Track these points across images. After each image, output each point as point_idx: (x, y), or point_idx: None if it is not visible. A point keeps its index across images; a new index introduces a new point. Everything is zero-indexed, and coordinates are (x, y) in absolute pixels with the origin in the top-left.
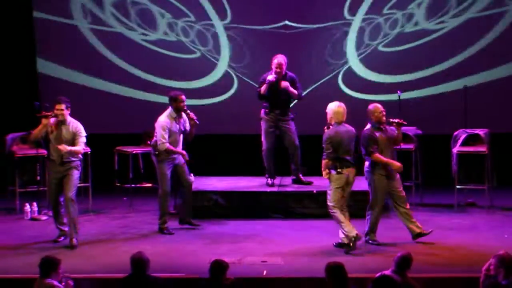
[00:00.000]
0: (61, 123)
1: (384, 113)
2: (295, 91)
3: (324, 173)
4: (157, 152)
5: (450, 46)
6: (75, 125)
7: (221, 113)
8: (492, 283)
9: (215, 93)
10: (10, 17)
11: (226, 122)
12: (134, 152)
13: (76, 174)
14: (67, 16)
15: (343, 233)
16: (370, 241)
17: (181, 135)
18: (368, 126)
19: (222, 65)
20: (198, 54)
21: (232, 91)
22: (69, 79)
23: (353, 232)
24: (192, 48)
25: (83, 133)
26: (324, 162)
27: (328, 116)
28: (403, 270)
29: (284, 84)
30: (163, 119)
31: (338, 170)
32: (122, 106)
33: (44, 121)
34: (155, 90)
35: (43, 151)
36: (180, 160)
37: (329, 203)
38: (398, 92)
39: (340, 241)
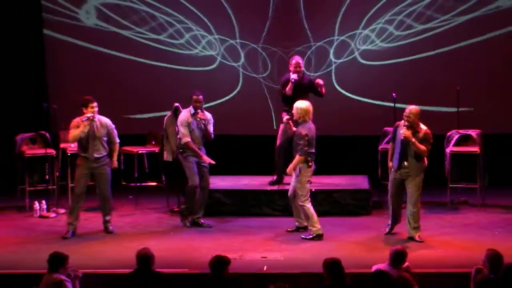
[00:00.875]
0: (91, 120)
1: (405, 117)
2: (323, 90)
3: (292, 168)
4: (181, 150)
5: (443, 48)
6: (104, 120)
7: (225, 114)
8: (483, 278)
9: (220, 94)
10: (19, 19)
11: (229, 122)
12: (139, 152)
13: (108, 171)
14: (75, 19)
15: (310, 227)
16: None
17: (200, 134)
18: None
19: (227, 67)
20: (201, 53)
21: (236, 92)
22: (75, 80)
23: (320, 230)
24: (199, 50)
25: (115, 131)
26: (300, 158)
27: (297, 114)
28: (398, 264)
29: (319, 81)
30: (183, 114)
31: (309, 164)
32: (127, 107)
33: (86, 122)
34: (160, 92)
35: (52, 151)
36: (204, 161)
37: (302, 197)
38: (393, 95)
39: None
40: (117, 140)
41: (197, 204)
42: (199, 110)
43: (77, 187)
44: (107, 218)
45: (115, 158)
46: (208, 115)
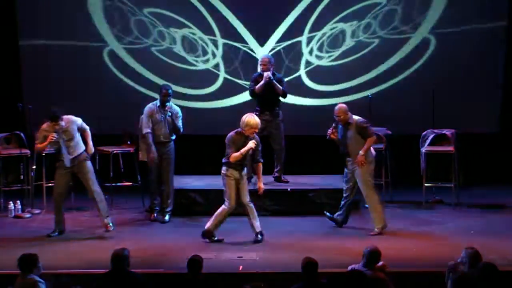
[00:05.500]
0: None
1: (336, 113)
2: (279, 86)
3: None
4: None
5: (420, 50)
6: (70, 120)
7: (204, 114)
8: (461, 275)
9: (195, 92)
10: None
11: (207, 123)
12: (114, 152)
13: (88, 165)
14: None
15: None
16: None
17: (168, 127)
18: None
19: (205, 66)
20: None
21: (213, 92)
22: (52, 81)
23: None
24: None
25: (77, 120)
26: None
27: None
28: (372, 264)
29: (266, 74)
30: (148, 106)
31: None
32: (103, 107)
33: (49, 139)
34: (136, 92)
35: (26, 151)
36: (168, 153)
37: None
38: (369, 95)
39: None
40: (86, 127)
41: (163, 198)
42: (167, 104)
43: (56, 187)
44: (101, 214)
45: (89, 143)
46: (176, 109)
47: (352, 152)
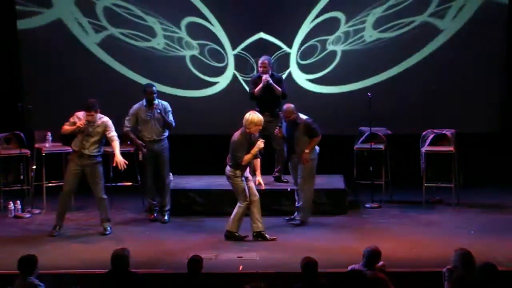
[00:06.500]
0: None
1: (284, 114)
2: (278, 88)
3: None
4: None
5: (414, 48)
6: (103, 119)
7: (202, 113)
8: (459, 277)
9: (200, 93)
10: None
11: (207, 122)
12: (114, 152)
13: (100, 170)
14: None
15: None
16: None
17: (158, 124)
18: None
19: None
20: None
21: (216, 92)
22: (52, 81)
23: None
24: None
25: (110, 125)
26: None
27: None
28: (372, 264)
29: (265, 77)
30: (134, 106)
31: None
32: (103, 107)
33: (78, 125)
34: (136, 92)
35: (26, 151)
36: (162, 151)
37: None
38: (369, 94)
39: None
40: (112, 134)
41: (161, 198)
42: (154, 102)
43: (64, 185)
44: (102, 218)
45: (116, 152)
46: (165, 104)
47: (298, 149)
